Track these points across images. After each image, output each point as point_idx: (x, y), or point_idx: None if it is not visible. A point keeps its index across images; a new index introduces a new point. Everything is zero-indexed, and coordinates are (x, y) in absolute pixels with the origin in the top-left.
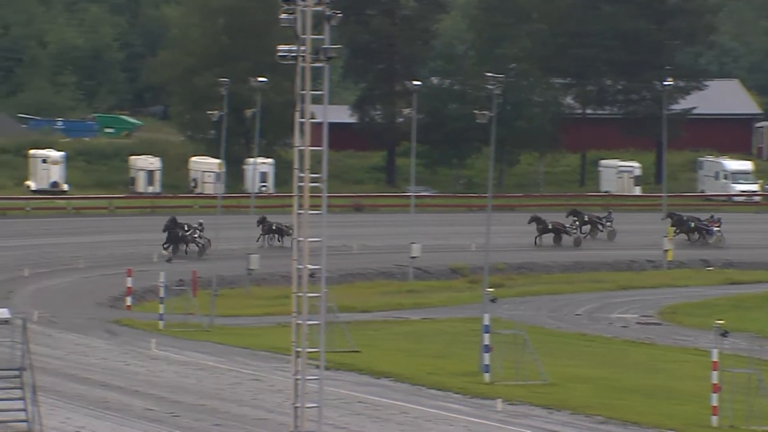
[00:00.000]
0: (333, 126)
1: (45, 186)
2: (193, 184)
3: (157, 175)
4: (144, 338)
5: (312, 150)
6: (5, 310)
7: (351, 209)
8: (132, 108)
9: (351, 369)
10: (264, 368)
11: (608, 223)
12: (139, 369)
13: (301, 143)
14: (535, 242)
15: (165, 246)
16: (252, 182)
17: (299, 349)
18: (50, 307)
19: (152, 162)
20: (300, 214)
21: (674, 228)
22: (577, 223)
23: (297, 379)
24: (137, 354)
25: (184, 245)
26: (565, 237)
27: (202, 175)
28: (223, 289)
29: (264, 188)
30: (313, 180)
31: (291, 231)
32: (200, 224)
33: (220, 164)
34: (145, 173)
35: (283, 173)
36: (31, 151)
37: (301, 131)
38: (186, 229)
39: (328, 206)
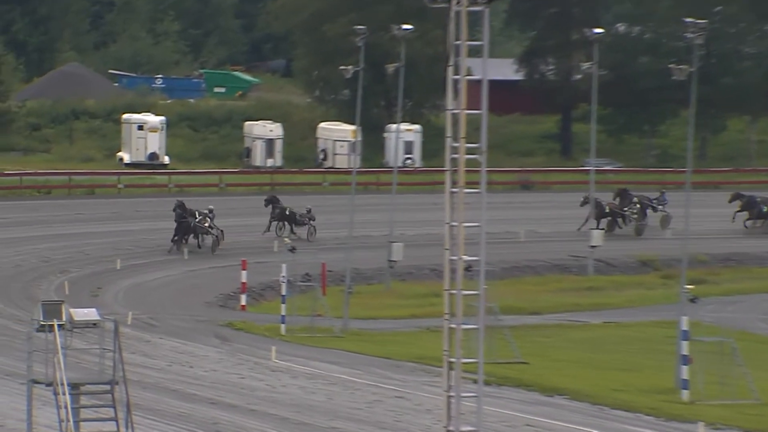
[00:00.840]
0: (494, 84)
1: (141, 158)
2: (321, 156)
3: (278, 145)
4: (262, 345)
5: (468, 114)
6: (93, 310)
7: (517, 187)
8: (247, 63)
9: (516, 384)
10: (409, 383)
11: (660, 207)
12: (256, 383)
13: (454, 105)
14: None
15: (174, 239)
16: (394, 154)
17: (452, 360)
18: (148, 307)
19: (272, 129)
20: (453, 192)
21: None
22: (638, 206)
23: (450, 397)
24: (254, 365)
25: (196, 237)
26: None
27: (332, 145)
28: (358, 285)
29: (409, 161)
30: (470, 151)
31: (307, 219)
32: (210, 211)
33: (354, 132)
34: (262, 143)
35: (433, 143)
36: (125, 116)
37: (455, 91)
38: (196, 217)
39: (488, 183)
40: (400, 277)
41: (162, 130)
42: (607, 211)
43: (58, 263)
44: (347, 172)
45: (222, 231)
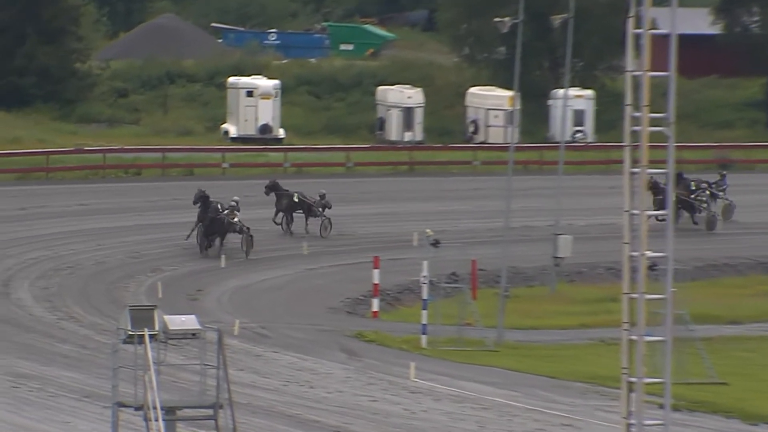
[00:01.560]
0: (685, 40)
1: (251, 132)
2: (471, 128)
3: (418, 115)
4: (399, 361)
5: (653, 77)
6: (192, 317)
7: (713, 166)
8: (380, 14)
9: (712, 410)
10: (579, 408)
11: (720, 193)
12: (391, 407)
13: (636, 66)
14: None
15: (201, 233)
16: (560, 126)
17: (633, 380)
18: (258, 314)
19: (410, 95)
20: (634, 173)
21: None
22: (708, 192)
23: (630, 425)
24: (389, 385)
25: (222, 237)
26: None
27: (485, 115)
28: (516, 288)
29: (579, 135)
30: (655, 122)
31: (320, 209)
32: (236, 203)
33: (511, 99)
34: (399, 112)
35: (608, 112)
36: (231, 80)
37: (637, 48)
38: (220, 210)
39: (676, 162)
40: (568, 278)
41: (276, 96)
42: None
43: (149, 260)
44: (503, 149)
45: (249, 229)
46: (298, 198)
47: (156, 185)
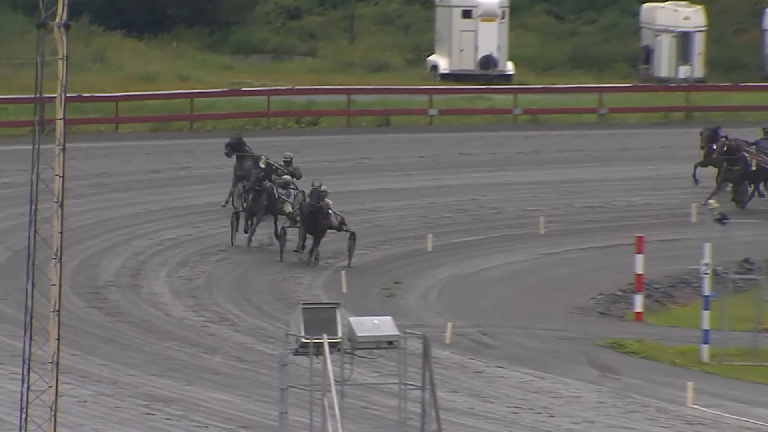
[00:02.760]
0: None
1: (468, 66)
2: None
3: (698, 43)
4: (671, 380)
5: None
6: (388, 320)
7: None
8: None
9: None
10: None
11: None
12: None
13: None
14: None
15: (240, 201)
16: None
17: None
18: (477, 315)
19: (688, 16)
20: None
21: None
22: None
23: None
24: (657, 413)
25: (275, 217)
26: None
27: None
28: None
29: None
30: None
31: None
32: (290, 159)
33: None
34: (672, 39)
35: None
36: None
37: None
38: (263, 171)
39: None
40: None
41: (503, 18)
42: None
43: (328, 241)
44: None
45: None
46: (265, 162)
47: (339, 139)
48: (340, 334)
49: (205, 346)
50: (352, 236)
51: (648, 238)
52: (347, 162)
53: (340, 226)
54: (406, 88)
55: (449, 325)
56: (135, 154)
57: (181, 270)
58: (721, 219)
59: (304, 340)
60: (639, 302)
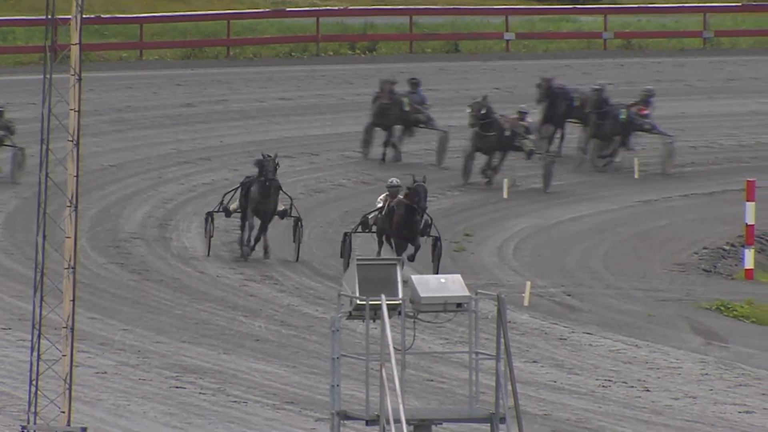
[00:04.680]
0: None
1: None
2: None
3: None
4: None
5: None
6: (457, 278)
7: None
8: None
9: None
10: None
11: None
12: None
13: None
14: None
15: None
16: None
17: None
18: (561, 272)
19: None
20: None
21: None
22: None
23: None
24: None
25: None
26: None
27: None
28: None
29: None
30: None
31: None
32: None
33: None
34: None
35: None
36: None
37: None
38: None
39: None
40: None
41: None
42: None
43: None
44: None
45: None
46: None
47: (400, 68)
48: (401, 295)
49: (245, 308)
50: (437, 243)
51: (760, 183)
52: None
53: (425, 229)
54: (478, 8)
55: (528, 284)
56: (163, 86)
57: (217, 220)
58: None
59: (359, 302)
60: (750, 258)
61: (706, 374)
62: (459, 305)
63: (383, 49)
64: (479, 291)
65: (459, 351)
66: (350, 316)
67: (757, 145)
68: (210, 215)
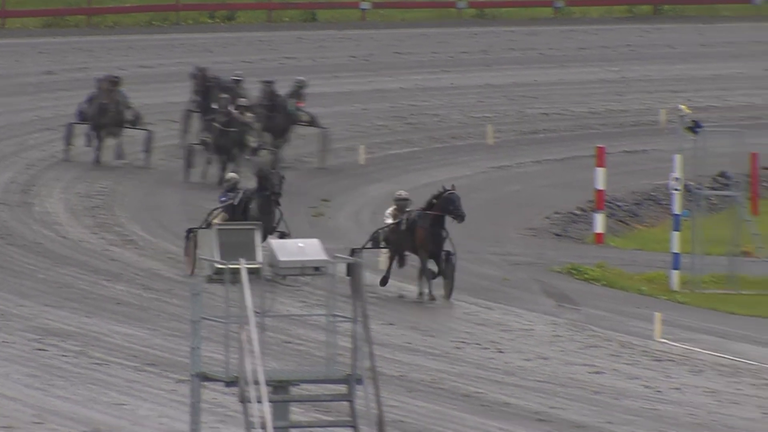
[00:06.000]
0: None
1: None
2: None
3: None
4: (636, 311)
5: None
6: (315, 243)
7: None
8: None
9: None
10: None
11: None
12: (625, 383)
13: None
14: None
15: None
16: None
17: None
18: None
19: None
20: None
21: None
22: None
23: None
24: (620, 348)
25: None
26: None
27: None
28: None
29: None
30: None
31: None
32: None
33: None
34: None
35: None
36: None
37: None
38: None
39: None
40: None
41: None
42: None
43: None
44: None
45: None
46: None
47: (258, 36)
48: (259, 259)
49: (107, 272)
50: (449, 258)
51: (610, 150)
52: (268, 63)
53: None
54: None
55: (384, 249)
56: (25, 53)
57: (79, 186)
58: (694, 127)
59: (219, 266)
60: (600, 222)
61: (558, 336)
62: (317, 269)
63: (242, 18)
64: (337, 255)
65: (317, 314)
66: (210, 280)
67: (606, 113)
68: (191, 231)
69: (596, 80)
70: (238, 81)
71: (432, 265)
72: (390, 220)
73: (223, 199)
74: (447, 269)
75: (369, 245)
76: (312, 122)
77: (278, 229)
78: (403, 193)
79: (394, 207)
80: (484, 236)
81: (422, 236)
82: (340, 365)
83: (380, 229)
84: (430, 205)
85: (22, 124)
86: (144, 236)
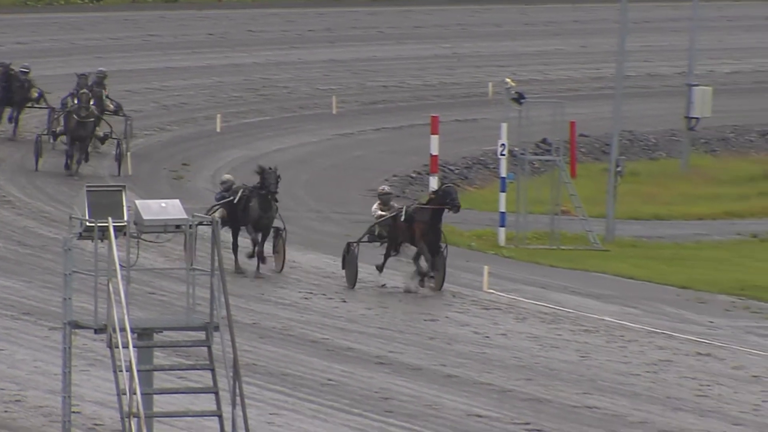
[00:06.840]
0: None
1: None
2: None
3: None
4: (466, 264)
5: None
6: (176, 203)
7: None
8: None
9: None
10: (722, 330)
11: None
12: (456, 329)
13: None
14: None
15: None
16: None
17: None
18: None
19: None
20: None
21: None
22: None
23: None
24: (452, 298)
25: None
26: None
27: None
28: (632, 162)
29: None
30: None
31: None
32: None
33: None
34: None
35: None
36: None
37: None
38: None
39: None
40: (707, 147)
41: None
42: None
43: (117, 121)
44: None
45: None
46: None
47: (124, 15)
48: (126, 218)
49: None
50: (440, 252)
51: (443, 119)
52: (133, 40)
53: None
54: None
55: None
56: None
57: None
58: (519, 98)
59: (88, 224)
60: (434, 184)
61: (396, 287)
62: (178, 227)
63: (108, 0)
64: (195, 214)
65: (178, 267)
66: (81, 237)
67: (440, 85)
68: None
69: (431, 56)
70: (26, 72)
71: (422, 261)
72: (380, 213)
73: (219, 197)
74: (438, 262)
75: (365, 239)
76: (117, 111)
77: (273, 225)
78: (386, 188)
79: (379, 202)
80: (329, 198)
81: (422, 230)
82: (199, 314)
83: (373, 224)
84: (429, 199)
85: None
86: (20, 197)
